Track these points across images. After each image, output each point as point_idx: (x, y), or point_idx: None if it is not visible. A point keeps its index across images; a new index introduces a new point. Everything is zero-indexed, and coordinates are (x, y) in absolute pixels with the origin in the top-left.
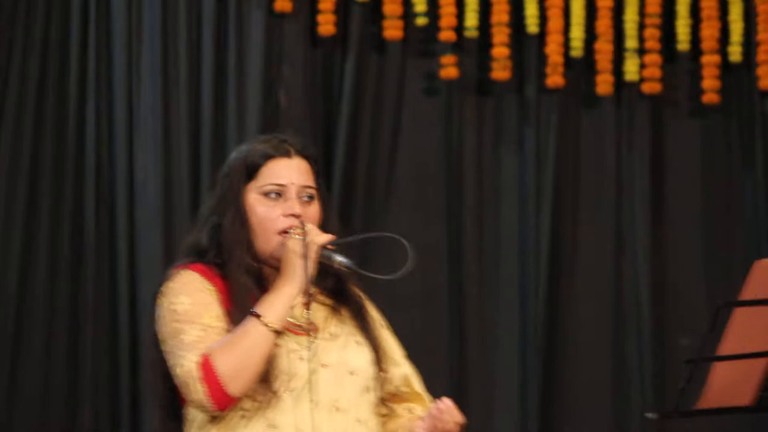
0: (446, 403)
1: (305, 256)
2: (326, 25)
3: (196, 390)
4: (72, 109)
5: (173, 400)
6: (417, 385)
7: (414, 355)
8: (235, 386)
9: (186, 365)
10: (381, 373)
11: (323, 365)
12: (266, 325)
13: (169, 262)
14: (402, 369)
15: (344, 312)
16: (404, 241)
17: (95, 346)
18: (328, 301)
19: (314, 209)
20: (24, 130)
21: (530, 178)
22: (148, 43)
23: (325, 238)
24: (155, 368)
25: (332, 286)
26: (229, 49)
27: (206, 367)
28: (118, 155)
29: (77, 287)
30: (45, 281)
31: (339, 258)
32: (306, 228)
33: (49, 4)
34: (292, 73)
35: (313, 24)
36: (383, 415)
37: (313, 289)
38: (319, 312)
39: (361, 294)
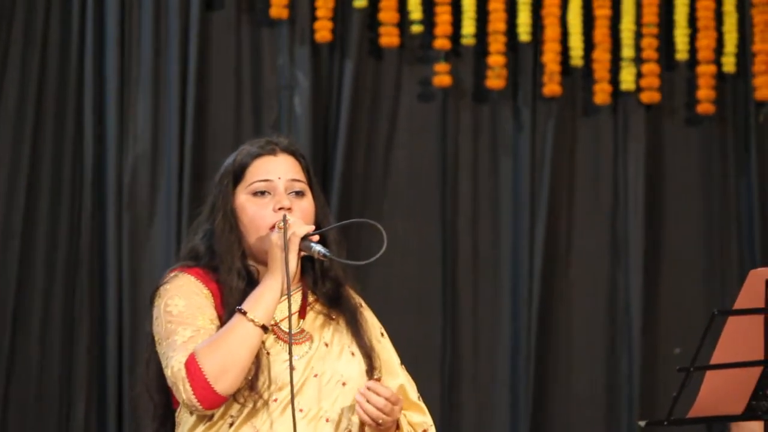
0: (366, 388)
1: (286, 249)
2: (323, 31)
3: (184, 389)
4: (70, 110)
5: (166, 404)
6: (413, 393)
7: (407, 360)
8: (222, 384)
9: (174, 365)
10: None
11: (314, 375)
12: (252, 320)
13: (157, 264)
14: (398, 380)
15: (340, 320)
16: (378, 226)
17: (89, 347)
18: (324, 309)
19: (306, 203)
20: (23, 133)
21: (525, 185)
22: (141, 49)
23: (306, 228)
24: (149, 370)
25: (329, 293)
26: (222, 56)
27: (192, 366)
28: (109, 159)
29: (72, 289)
30: (42, 280)
31: (317, 248)
32: (288, 221)
33: (48, 3)
34: (304, 78)
35: (311, 30)
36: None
37: (310, 298)
38: (315, 321)
39: (361, 301)
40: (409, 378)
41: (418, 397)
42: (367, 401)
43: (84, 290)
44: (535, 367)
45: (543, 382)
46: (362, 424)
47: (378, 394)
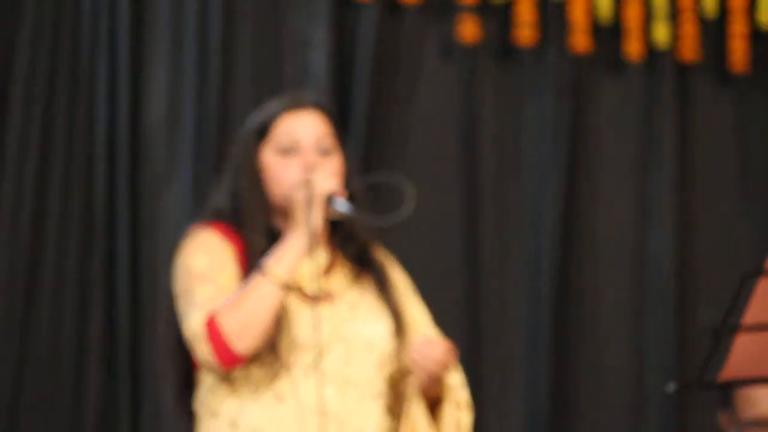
0: (423, 343)
1: (309, 206)
2: None
3: (203, 349)
4: (83, 74)
5: (188, 362)
6: (453, 376)
7: None
8: (241, 344)
9: (193, 325)
10: (400, 345)
11: (339, 338)
12: (272, 279)
13: (174, 225)
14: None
15: (366, 280)
16: (406, 182)
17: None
18: (351, 269)
19: (334, 161)
20: (35, 95)
21: (549, 146)
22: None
23: (330, 185)
24: (170, 329)
25: (355, 253)
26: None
27: (212, 325)
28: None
29: (88, 255)
30: (55, 247)
31: (341, 207)
32: (312, 179)
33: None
34: (324, 35)
35: None
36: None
37: (337, 257)
38: (340, 280)
39: (389, 257)
40: (441, 336)
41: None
42: (423, 356)
43: (99, 255)
44: (554, 333)
45: (565, 349)
46: (388, 385)
47: (434, 347)
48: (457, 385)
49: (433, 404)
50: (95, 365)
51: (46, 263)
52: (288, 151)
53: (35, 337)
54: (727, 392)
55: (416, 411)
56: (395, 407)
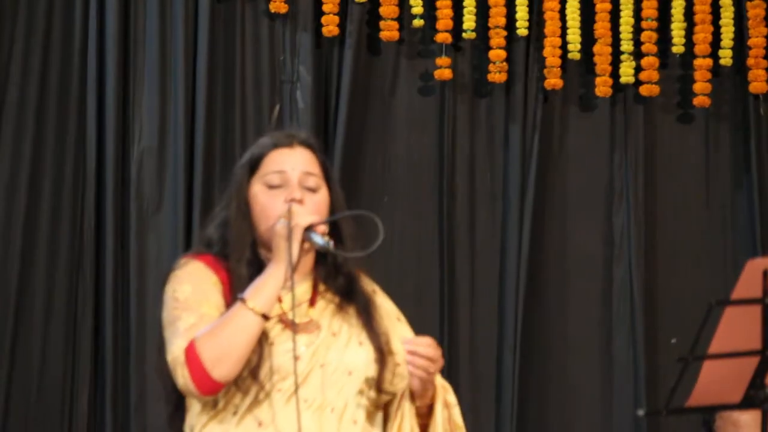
0: (415, 343)
1: (289, 239)
2: (330, 26)
3: (182, 375)
4: (73, 106)
5: (177, 388)
6: (437, 376)
7: None
8: (219, 371)
9: (174, 351)
10: (385, 372)
11: (321, 365)
12: (251, 309)
13: (161, 261)
14: None
15: (351, 310)
16: (375, 218)
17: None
18: (335, 298)
19: (320, 197)
20: (25, 131)
21: (516, 178)
22: (146, 42)
23: (309, 219)
24: (162, 354)
25: (342, 287)
26: (228, 48)
27: (191, 352)
28: (109, 153)
29: (75, 280)
30: (44, 275)
31: (317, 239)
32: (292, 210)
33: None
34: (306, 73)
35: (317, 25)
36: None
37: (321, 287)
38: (324, 310)
39: (375, 287)
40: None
41: (443, 380)
42: (415, 354)
43: (87, 282)
44: (520, 360)
45: (528, 375)
46: (368, 414)
47: (421, 345)
48: (446, 386)
49: (428, 411)
50: (83, 392)
51: (36, 292)
52: (275, 184)
53: (24, 364)
54: (708, 416)
55: (405, 412)
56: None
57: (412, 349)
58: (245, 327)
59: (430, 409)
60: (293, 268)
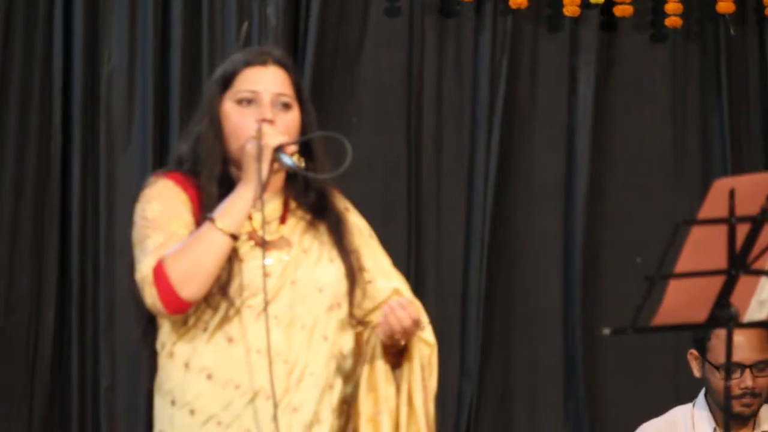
0: (397, 302)
1: (259, 159)
2: None
3: (150, 294)
4: (40, 25)
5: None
6: (407, 293)
7: None
8: (188, 290)
9: (142, 269)
10: (356, 289)
11: (292, 282)
12: (220, 229)
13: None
14: (392, 281)
15: (322, 227)
16: (343, 139)
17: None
18: (306, 216)
19: (291, 117)
20: (6, 136)
21: (484, 98)
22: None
23: (278, 139)
24: (132, 274)
25: (314, 203)
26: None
27: (159, 271)
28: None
29: (42, 202)
30: (10, 197)
31: (286, 159)
32: (262, 131)
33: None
34: None
35: None
36: (359, 332)
37: (292, 204)
38: (295, 227)
39: (348, 205)
40: (402, 278)
41: (414, 298)
42: (393, 317)
43: (54, 202)
44: (486, 280)
45: (494, 295)
46: (339, 331)
47: (407, 311)
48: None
49: (399, 352)
50: (48, 313)
51: (2, 212)
52: (247, 103)
53: None
54: (702, 334)
55: (377, 365)
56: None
57: (394, 311)
58: (214, 247)
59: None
60: (262, 188)
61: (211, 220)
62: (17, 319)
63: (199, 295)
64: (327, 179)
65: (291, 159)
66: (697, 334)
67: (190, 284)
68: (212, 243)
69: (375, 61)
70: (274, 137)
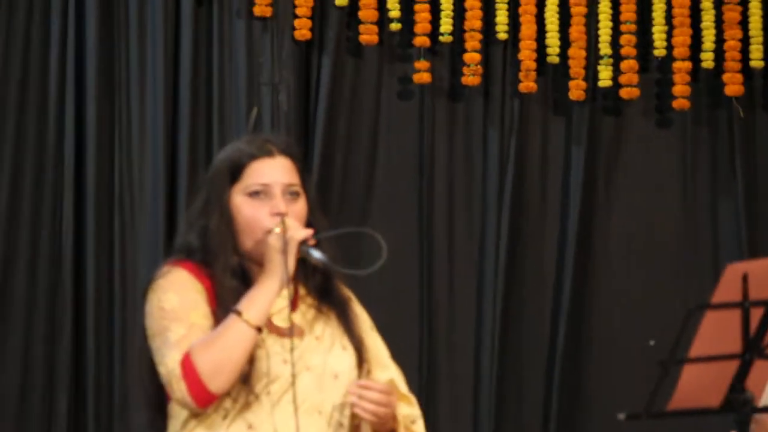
0: (357, 387)
1: (285, 252)
2: (302, 30)
3: (179, 388)
4: (52, 111)
5: (160, 395)
6: (402, 386)
7: None
8: (216, 384)
9: (169, 364)
10: (361, 377)
11: (307, 368)
12: (246, 321)
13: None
14: (389, 372)
15: (330, 314)
16: (378, 237)
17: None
18: (314, 302)
19: (300, 206)
20: (5, 135)
21: (494, 181)
22: (128, 46)
23: (304, 233)
24: (143, 362)
25: (319, 286)
26: (211, 52)
27: (187, 365)
28: (89, 158)
29: (55, 286)
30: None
31: (315, 254)
32: (286, 224)
33: (30, 2)
34: (290, 76)
35: (292, 28)
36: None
37: (301, 291)
38: (306, 314)
39: (350, 294)
40: (398, 370)
41: (408, 391)
42: (362, 398)
43: (67, 288)
44: (498, 362)
45: (503, 377)
46: (354, 416)
47: (371, 389)
48: (410, 413)
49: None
50: (64, 392)
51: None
52: (258, 196)
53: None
54: (742, 417)
55: None
56: None
57: (360, 392)
58: (241, 339)
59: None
60: (288, 281)
61: (238, 312)
62: (32, 401)
63: (227, 387)
64: (331, 266)
65: (320, 253)
66: (738, 417)
67: (219, 377)
68: (239, 335)
69: (386, 145)
70: (298, 231)
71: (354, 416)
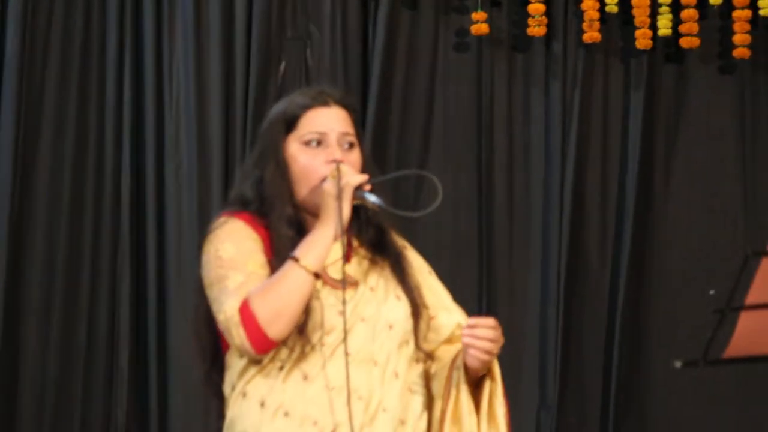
0: (475, 323)
1: (340, 198)
2: None
3: (238, 335)
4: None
5: (215, 347)
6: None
7: None
8: (274, 329)
9: (228, 311)
10: (420, 325)
11: (362, 319)
12: (304, 267)
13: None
14: (454, 315)
15: (385, 264)
16: (434, 178)
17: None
18: (368, 254)
19: (355, 156)
20: (66, 134)
21: (557, 133)
22: (181, 33)
23: (360, 178)
24: (199, 314)
25: (373, 238)
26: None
27: (246, 311)
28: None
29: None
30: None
31: (372, 198)
32: (341, 170)
33: (88, 4)
34: (318, 31)
35: None
36: (427, 367)
37: (354, 243)
38: (359, 265)
39: (405, 243)
40: (463, 313)
41: None
42: (477, 338)
43: (126, 244)
44: (564, 315)
45: (570, 331)
46: (409, 363)
47: (481, 327)
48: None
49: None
50: (125, 350)
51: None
52: (314, 144)
53: (74, 326)
54: None
55: (462, 397)
56: (438, 390)
57: (472, 332)
58: (299, 285)
59: (481, 379)
60: (344, 228)
61: (295, 258)
62: (96, 355)
63: (286, 333)
64: (385, 216)
65: (375, 196)
66: None
67: (278, 323)
68: (297, 281)
69: (443, 97)
70: (353, 176)
71: (417, 353)
